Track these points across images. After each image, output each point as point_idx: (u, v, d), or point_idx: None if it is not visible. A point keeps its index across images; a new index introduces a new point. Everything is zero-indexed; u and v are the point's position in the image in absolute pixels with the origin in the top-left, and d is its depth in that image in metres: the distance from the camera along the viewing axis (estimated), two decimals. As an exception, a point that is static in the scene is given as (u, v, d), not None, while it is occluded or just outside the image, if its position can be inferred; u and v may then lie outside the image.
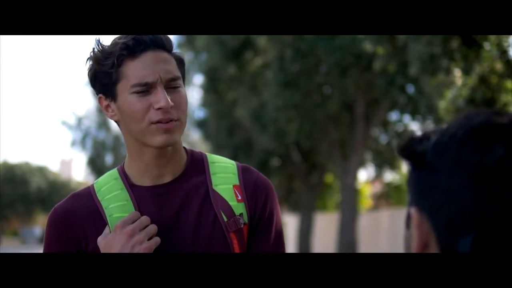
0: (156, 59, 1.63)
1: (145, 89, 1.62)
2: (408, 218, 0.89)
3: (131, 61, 1.62)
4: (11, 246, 40.04)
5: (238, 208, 1.70)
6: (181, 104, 1.64)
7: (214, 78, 20.10)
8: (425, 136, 0.88)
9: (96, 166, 41.21)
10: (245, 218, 1.70)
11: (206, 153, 1.79)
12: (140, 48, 1.62)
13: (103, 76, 1.65)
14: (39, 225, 48.13)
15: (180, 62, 1.69)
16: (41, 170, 49.03)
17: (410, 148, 0.88)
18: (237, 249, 1.68)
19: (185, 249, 1.66)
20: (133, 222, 1.63)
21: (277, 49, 15.78)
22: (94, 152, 41.60)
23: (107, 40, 1.67)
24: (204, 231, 1.67)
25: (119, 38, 1.63)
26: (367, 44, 13.93)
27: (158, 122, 1.61)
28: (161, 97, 1.60)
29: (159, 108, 1.61)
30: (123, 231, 1.61)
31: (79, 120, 41.96)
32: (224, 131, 21.06)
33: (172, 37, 1.70)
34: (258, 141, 18.86)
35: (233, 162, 1.77)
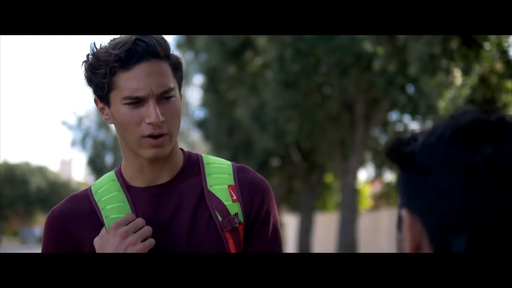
0: (149, 71, 1.61)
1: (136, 101, 1.62)
2: (400, 220, 0.89)
3: (123, 72, 1.61)
4: (11, 246, 40.04)
5: (233, 207, 1.70)
6: (172, 116, 1.64)
7: (214, 78, 20.10)
8: (413, 137, 0.87)
9: (96, 166, 41.23)
10: (241, 217, 1.70)
11: (202, 155, 1.79)
12: (133, 60, 1.60)
13: (97, 84, 1.65)
14: (39, 225, 48.14)
15: (176, 67, 1.67)
16: (41, 170, 49.04)
17: (398, 150, 0.88)
18: (232, 249, 1.68)
19: (180, 249, 1.67)
20: (127, 224, 1.64)
21: (277, 49, 15.78)
22: (94, 152, 41.61)
23: (106, 39, 1.66)
24: (199, 231, 1.68)
25: (112, 48, 1.60)
26: (367, 44, 13.92)
27: (149, 136, 1.62)
28: (151, 112, 1.60)
29: (149, 123, 1.61)
30: (116, 232, 1.62)
31: (79, 120, 41.98)
32: (224, 131, 21.06)
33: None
34: (258, 141, 18.85)
35: (229, 162, 1.77)
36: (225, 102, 20.43)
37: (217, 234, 1.68)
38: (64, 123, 45.21)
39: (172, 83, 1.64)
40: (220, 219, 1.68)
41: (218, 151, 20.74)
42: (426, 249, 0.84)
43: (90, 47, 1.64)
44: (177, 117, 1.66)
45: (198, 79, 24.49)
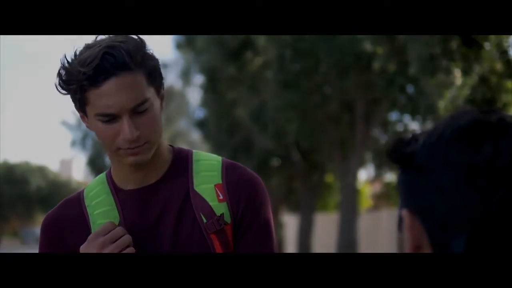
0: (120, 86, 1.55)
1: (110, 118, 1.58)
2: (400, 221, 0.89)
3: (94, 89, 1.56)
4: (11, 246, 40.03)
5: (219, 208, 1.65)
6: (149, 126, 1.59)
7: (214, 78, 20.09)
8: (413, 138, 0.88)
9: (96, 166, 41.19)
10: (227, 218, 1.65)
11: (193, 151, 1.75)
12: (101, 77, 1.54)
13: (71, 97, 1.62)
14: (39, 225, 48.02)
15: (151, 73, 1.61)
16: (41, 170, 49.04)
17: (399, 151, 0.88)
18: (219, 250, 1.64)
19: (165, 252, 1.64)
20: (107, 233, 1.60)
21: (277, 49, 15.78)
22: (94, 152, 41.58)
23: (81, 44, 1.62)
24: (184, 233, 1.64)
25: (81, 65, 1.55)
26: (367, 44, 13.92)
27: (127, 148, 1.59)
28: (125, 128, 1.56)
29: (124, 139, 1.58)
30: (95, 242, 1.59)
31: (79, 120, 41.84)
32: (224, 131, 21.05)
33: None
34: (258, 141, 18.85)
35: (219, 159, 1.72)
36: (225, 102, 20.42)
37: (202, 236, 1.64)
38: (64, 123, 45.17)
39: (147, 92, 1.59)
40: (204, 221, 1.64)
41: (218, 151, 20.72)
42: (426, 249, 0.84)
43: (60, 61, 1.59)
44: (155, 126, 1.61)
45: (198, 79, 24.48)
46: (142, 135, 1.58)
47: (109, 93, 1.55)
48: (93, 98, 1.57)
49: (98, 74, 1.54)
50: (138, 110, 1.58)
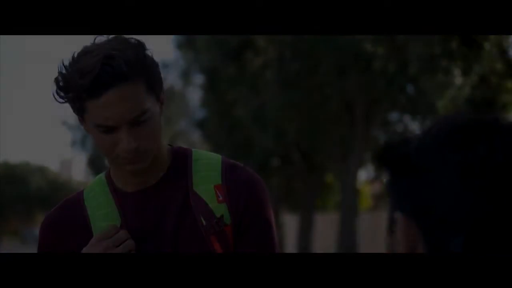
0: (118, 98, 1.51)
1: (108, 129, 1.55)
2: (392, 224, 0.88)
3: (92, 100, 1.53)
4: (11, 246, 40.04)
5: (219, 209, 1.63)
6: (149, 136, 1.57)
7: (214, 78, 20.10)
8: (406, 140, 0.87)
9: (96, 166, 41.19)
10: (227, 219, 1.63)
11: (193, 149, 1.72)
12: (100, 89, 1.51)
13: (70, 104, 1.59)
14: (39, 225, 48.09)
15: (150, 81, 1.57)
16: (41, 170, 49.07)
17: (393, 154, 0.88)
18: (219, 252, 1.61)
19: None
20: (110, 237, 1.59)
21: (277, 49, 15.79)
22: (94, 152, 41.58)
23: (81, 46, 1.59)
24: (183, 235, 1.62)
25: (79, 75, 1.51)
26: (367, 44, 13.93)
27: (125, 157, 1.57)
28: (124, 140, 1.54)
29: (122, 150, 1.56)
30: (97, 246, 1.58)
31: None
32: (224, 131, 21.05)
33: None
34: (258, 141, 18.85)
35: (218, 158, 1.70)
36: (225, 102, 20.42)
37: (202, 238, 1.62)
38: (64, 123, 45.16)
39: (147, 102, 1.56)
40: (204, 222, 1.62)
41: (218, 151, 20.61)
42: (421, 251, 0.84)
43: (58, 68, 1.56)
44: (154, 135, 1.58)
45: (198, 79, 24.46)
46: (141, 145, 1.56)
47: (108, 105, 1.52)
48: (92, 108, 1.54)
49: (97, 86, 1.51)
50: (137, 120, 1.55)
